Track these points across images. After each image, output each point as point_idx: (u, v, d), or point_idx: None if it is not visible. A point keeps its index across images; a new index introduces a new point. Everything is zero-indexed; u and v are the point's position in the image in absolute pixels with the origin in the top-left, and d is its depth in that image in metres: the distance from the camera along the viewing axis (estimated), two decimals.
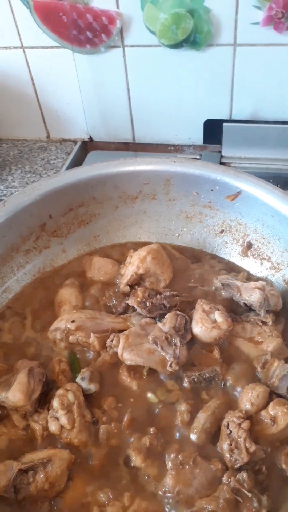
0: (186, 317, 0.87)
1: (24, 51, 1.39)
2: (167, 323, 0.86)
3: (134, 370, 0.84)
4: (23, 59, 1.41)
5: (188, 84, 1.34)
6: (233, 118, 1.39)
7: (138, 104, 1.43)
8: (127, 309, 0.95)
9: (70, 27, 1.30)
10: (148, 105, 1.42)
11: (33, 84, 1.46)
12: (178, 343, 0.83)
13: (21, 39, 1.37)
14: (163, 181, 1.04)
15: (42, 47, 1.37)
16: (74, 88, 1.43)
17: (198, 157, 1.44)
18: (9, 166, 1.48)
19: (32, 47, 1.38)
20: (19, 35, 1.36)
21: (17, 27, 1.34)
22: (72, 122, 1.53)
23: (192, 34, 1.23)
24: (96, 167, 1.02)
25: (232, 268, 1.03)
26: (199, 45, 1.25)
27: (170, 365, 0.81)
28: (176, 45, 1.26)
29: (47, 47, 1.36)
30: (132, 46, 1.30)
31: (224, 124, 1.36)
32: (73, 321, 0.89)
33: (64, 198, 1.02)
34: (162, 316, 0.89)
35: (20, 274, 1.02)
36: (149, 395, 0.81)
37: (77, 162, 1.50)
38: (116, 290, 0.99)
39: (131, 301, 0.93)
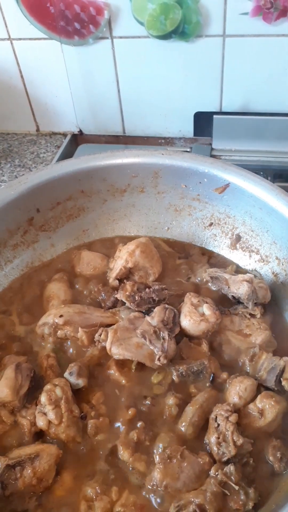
0: (175, 310, 0.87)
1: (11, 43, 1.37)
2: (155, 317, 0.86)
3: (122, 364, 0.83)
4: (11, 51, 1.39)
5: (178, 76, 1.33)
6: (223, 110, 1.37)
7: (127, 97, 1.41)
8: (116, 303, 0.94)
9: (57, 18, 1.28)
10: (138, 97, 1.40)
11: (22, 76, 1.44)
12: (166, 337, 0.83)
13: (8, 31, 1.34)
14: (151, 174, 1.03)
15: (30, 39, 1.35)
16: (63, 80, 1.42)
17: (188, 149, 1.43)
18: None
19: (20, 39, 1.36)
20: (6, 26, 1.34)
21: (4, 18, 1.32)
22: (61, 115, 1.51)
23: (181, 25, 1.22)
24: (83, 160, 1.01)
25: (221, 261, 1.02)
26: (188, 36, 1.24)
27: (158, 359, 0.81)
28: (165, 36, 1.25)
29: (35, 39, 1.34)
30: (121, 37, 1.29)
31: (214, 116, 1.35)
32: (61, 316, 0.88)
33: (51, 191, 1.01)
34: (151, 310, 0.89)
35: (8, 269, 1.01)
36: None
37: (67, 155, 1.49)
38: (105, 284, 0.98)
39: (120, 295, 0.92)
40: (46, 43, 1.34)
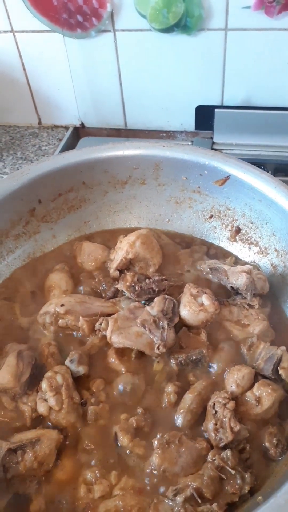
0: (174, 300, 0.88)
1: (14, 35, 1.38)
2: (155, 307, 0.87)
3: (122, 352, 0.85)
4: (14, 44, 1.39)
5: (180, 69, 1.33)
6: (225, 104, 1.38)
7: (129, 90, 1.42)
8: (117, 293, 0.96)
9: (60, 10, 1.28)
10: (140, 90, 1.41)
11: (24, 69, 1.44)
12: (166, 326, 0.84)
13: (11, 23, 1.35)
14: (152, 165, 1.04)
15: (33, 31, 1.35)
16: (65, 73, 1.42)
17: (190, 143, 1.44)
18: (1, 153, 1.47)
19: (23, 31, 1.36)
20: (9, 18, 1.34)
21: (6, 10, 1.33)
22: (63, 108, 1.52)
23: (183, 18, 1.22)
24: (85, 152, 1.02)
25: (220, 253, 1.03)
26: (190, 29, 1.24)
27: (158, 348, 0.82)
28: (167, 29, 1.25)
29: (38, 31, 1.35)
30: (123, 30, 1.29)
31: (216, 110, 1.36)
32: (62, 305, 0.89)
33: (53, 183, 1.02)
34: (150, 300, 0.90)
35: (10, 259, 1.02)
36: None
37: (69, 148, 1.49)
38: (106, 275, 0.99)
39: (120, 286, 0.93)
40: (48, 36, 1.35)
